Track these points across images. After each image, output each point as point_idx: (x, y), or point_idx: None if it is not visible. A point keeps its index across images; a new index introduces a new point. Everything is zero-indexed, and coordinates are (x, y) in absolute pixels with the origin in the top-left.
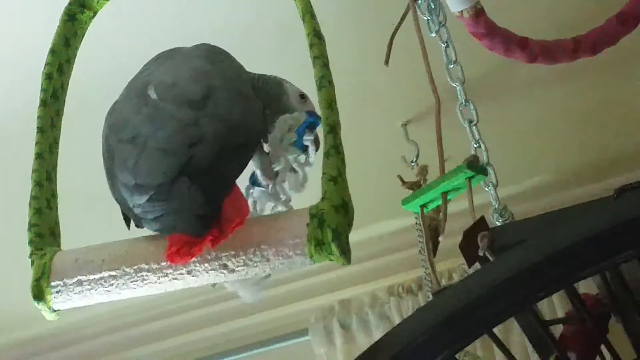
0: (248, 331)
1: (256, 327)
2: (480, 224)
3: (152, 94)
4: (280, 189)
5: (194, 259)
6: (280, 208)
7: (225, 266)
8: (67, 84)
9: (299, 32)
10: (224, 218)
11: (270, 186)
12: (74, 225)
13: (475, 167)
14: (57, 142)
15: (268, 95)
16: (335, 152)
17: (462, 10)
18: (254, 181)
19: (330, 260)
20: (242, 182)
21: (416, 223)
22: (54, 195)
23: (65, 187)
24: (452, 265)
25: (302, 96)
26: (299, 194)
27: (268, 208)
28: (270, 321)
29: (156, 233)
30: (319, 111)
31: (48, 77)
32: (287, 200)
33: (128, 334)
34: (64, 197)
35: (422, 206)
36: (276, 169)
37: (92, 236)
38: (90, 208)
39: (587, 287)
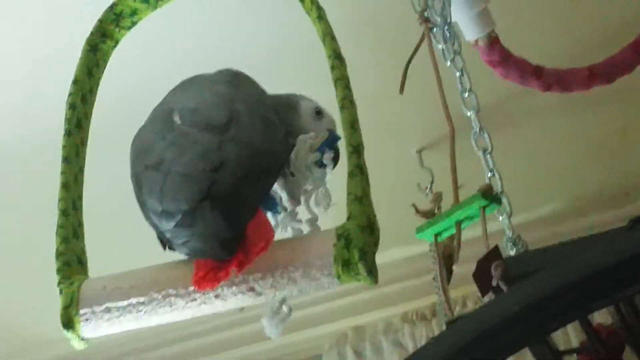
0: (262, 356)
1: (270, 353)
2: (494, 254)
3: (176, 120)
4: (308, 209)
5: (221, 283)
6: (306, 229)
7: (252, 289)
8: (91, 113)
9: (321, 53)
10: (249, 242)
11: (295, 208)
12: (102, 251)
13: (490, 196)
14: (82, 171)
15: (283, 119)
16: (359, 172)
17: (477, 39)
18: (269, 207)
19: (358, 280)
20: None
21: (430, 250)
22: (80, 223)
23: (93, 213)
24: (466, 292)
25: (318, 112)
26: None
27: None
28: (284, 347)
29: (186, 257)
30: (340, 130)
31: (72, 107)
32: (315, 219)
33: (142, 358)
34: (92, 223)
35: (436, 235)
36: (307, 188)
37: (120, 261)
38: (118, 233)
39: (602, 316)
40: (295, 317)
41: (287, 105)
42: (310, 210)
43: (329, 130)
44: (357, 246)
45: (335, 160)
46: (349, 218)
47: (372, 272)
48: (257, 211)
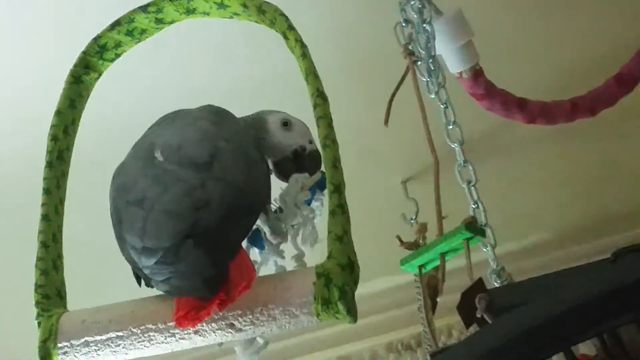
0: None
1: None
2: (478, 286)
3: (159, 156)
4: (295, 245)
5: None
6: (291, 265)
7: (232, 325)
8: (73, 145)
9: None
10: (231, 281)
11: (279, 244)
12: (82, 284)
13: (474, 228)
14: (62, 203)
15: (261, 142)
16: (340, 211)
17: (461, 72)
18: (253, 241)
19: (337, 318)
20: None
21: (415, 281)
22: (60, 256)
23: (73, 246)
24: (451, 322)
25: (285, 123)
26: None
27: (271, 267)
28: None
29: (165, 294)
30: None
31: (53, 138)
32: (301, 255)
33: None
34: (72, 255)
35: (421, 266)
36: (293, 224)
37: (100, 295)
38: (99, 266)
39: (587, 347)
40: (280, 347)
41: (256, 127)
42: (297, 247)
43: (322, 172)
44: (337, 285)
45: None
46: (329, 257)
47: (352, 311)
48: (240, 250)
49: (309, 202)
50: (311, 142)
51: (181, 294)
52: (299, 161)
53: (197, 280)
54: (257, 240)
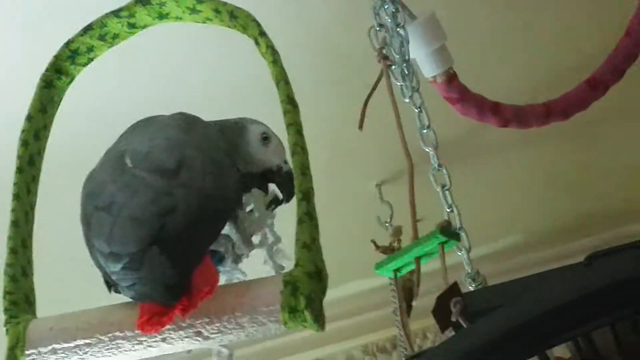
0: None
1: None
2: (453, 290)
3: (128, 163)
4: (270, 255)
5: (167, 326)
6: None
7: (199, 333)
8: (44, 150)
9: None
10: (194, 287)
11: (242, 256)
12: (51, 290)
13: (448, 232)
14: (32, 209)
15: (232, 148)
16: (308, 219)
17: (435, 76)
18: (219, 260)
19: (304, 327)
20: None
21: (390, 284)
22: (29, 262)
23: (43, 252)
24: (427, 325)
25: (265, 137)
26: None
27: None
28: None
29: (132, 300)
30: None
31: (24, 143)
32: (280, 267)
33: None
34: (41, 262)
35: (396, 270)
36: (259, 239)
37: (71, 301)
38: (69, 272)
39: (561, 350)
40: (255, 350)
41: (235, 132)
42: (272, 258)
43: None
44: (304, 293)
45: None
46: (296, 265)
47: (319, 319)
48: (204, 256)
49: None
50: (286, 162)
51: (145, 300)
52: (273, 179)
53: (160, 286)
54: (217, 259)
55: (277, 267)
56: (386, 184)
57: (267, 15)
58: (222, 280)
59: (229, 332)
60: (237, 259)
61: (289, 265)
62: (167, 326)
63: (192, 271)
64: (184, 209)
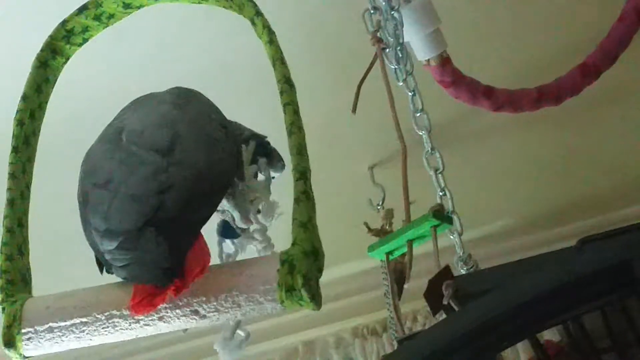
0: None
1: None
2: (445, 273)
3: (125, 140)
4: (255, 219)
5: (163, 305)
6: (262, 251)
7: (196, 312)
8: (39, 130)
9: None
10: (187, 268)
11: (251, 229)
12: (48, 269)
13: (441, 216)
14: (28, 188)
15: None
16: (305, 198)
17: (429, 59)
18: (223, 233)
19: (301, 305)
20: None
21: (382, 267)
22: (25, 241)
23: (39, 231)
24: (417, 307)
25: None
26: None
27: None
28: None
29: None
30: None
31: (20, 123)
32: (263, 229)
33: None
34: (38, 241)
35: (388, 253)
36: (251, 200)
37: (67, 280)
38: (66, 251)
39: (551, 332)
40: None
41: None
42: (257, 221)
43: (254, 137)
44: (301, 272)
45: (274, 161)
46: (293, 244)
47: (316, 298)
48: (199, 236)
49: (256, 175)
50: None
51: (139, 281)
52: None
53: (154, 268)
54: (227, 231)
55: (267, 244)
56: (379, 166)
57: None
58: (235, 251)
59: (226, 311)
60: (246, 233)
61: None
62: (161, 306)
63: (187, 252)
64: (179, 187)
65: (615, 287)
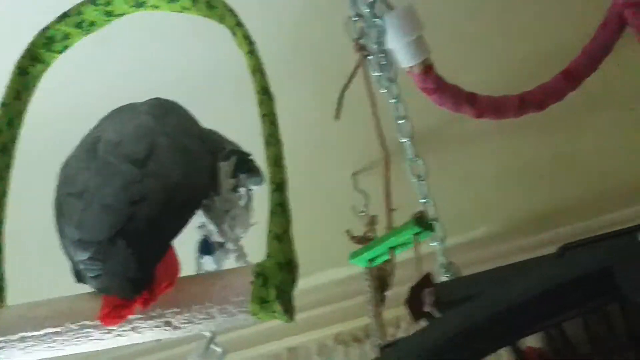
0: None
1: None
2: (426, 280)
3: (101, 150)
4: (228, 229)
5: (137, 315)
6: (237, 263)
7: (169, 323)
8: (18, 137)
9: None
10: (156, 280)
11: (228, 243)
12: (22, 278)
13: (423, 223)
14: (5, 195)
15: (209, 132)
16: (281, 210)
17: (411, 66)
18: (203, 250)
19: (274, 318)
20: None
21: (364, 274)
22: (0, 249)
23: (13, 241)
24: (400, 314)
25: None
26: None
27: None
28: None
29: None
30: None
31: None
32: (236, 239)
33: None
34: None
35: (370, 260)
36: (226, 210)
37: (42, 289)
38: (42, 260)
39: (532, 338)
40: (227, 339)
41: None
42: (229, 232)
43: (236, 152)
44: (274, 284)
45: (254, 176)
46: (267, 256)
47: (289, 310)
48: (169, 248)
49: (236, 189)
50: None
51: (109, 292)
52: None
53: (123, 280)
54: (206, 248)
55: (242, 256)
56: (362, 173)
57: (241, 6)
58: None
59: (199, 322)
60: (223, 249)
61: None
62: (133, 316)
63: (156, 265)
64: (153, 199)
65: (596, 294)
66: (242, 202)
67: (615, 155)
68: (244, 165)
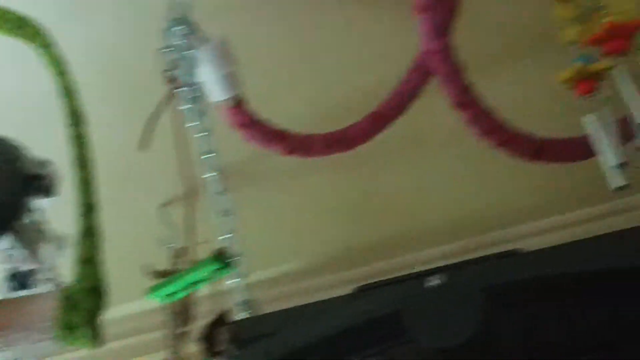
0: None
1: None
2: (222, 318)
3: None
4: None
5: None
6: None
7: None
8: None
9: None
10: None
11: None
12: None
13: (223, 259)
14: None
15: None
16: (89, 234)
17: (222, 100)
18: (14, 286)
19: (81, 343)
20: None
21: (165, 307)
22: None
23: None
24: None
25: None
26: None
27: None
28: None
29: None
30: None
31: None
32: (54, 275)
33: None
34: None
35: (170, 295)
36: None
37: None
38: None
39: None
40: None
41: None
42: (44, 258)
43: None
44: (81, 309)
45: (47, 189)
46: (75, 280)
47: (96, 335)
48: None
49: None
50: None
51: None
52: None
53: None
54: (18, 282)
55: (53, 280)
56: (170, 205)
57: (56, 28)
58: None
59: (3, 349)
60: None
61: None
62: None
63: None
64: None
65: (385, 336)
66: (51, 226)
67: (423, 195)
68: (48, 184)
